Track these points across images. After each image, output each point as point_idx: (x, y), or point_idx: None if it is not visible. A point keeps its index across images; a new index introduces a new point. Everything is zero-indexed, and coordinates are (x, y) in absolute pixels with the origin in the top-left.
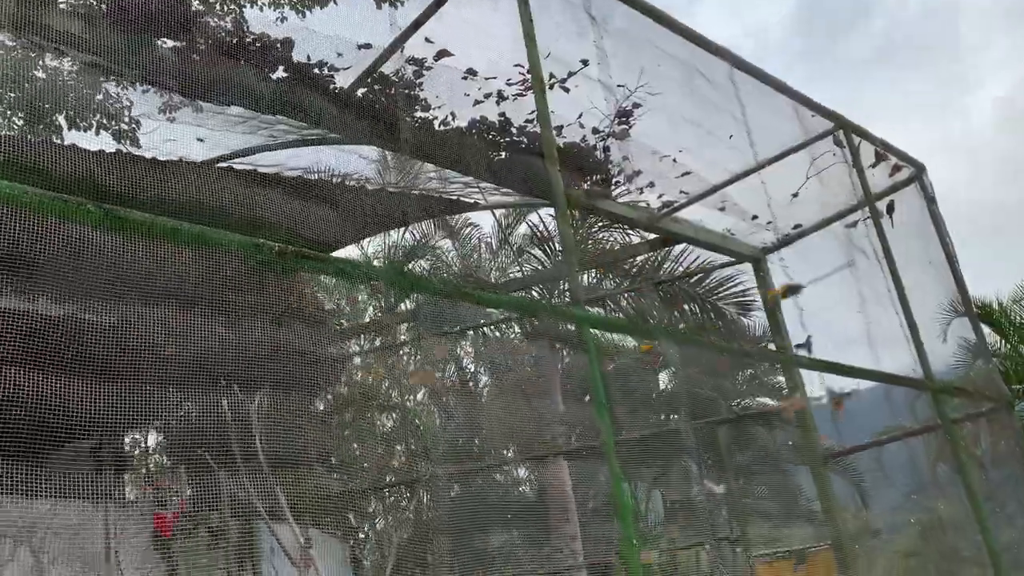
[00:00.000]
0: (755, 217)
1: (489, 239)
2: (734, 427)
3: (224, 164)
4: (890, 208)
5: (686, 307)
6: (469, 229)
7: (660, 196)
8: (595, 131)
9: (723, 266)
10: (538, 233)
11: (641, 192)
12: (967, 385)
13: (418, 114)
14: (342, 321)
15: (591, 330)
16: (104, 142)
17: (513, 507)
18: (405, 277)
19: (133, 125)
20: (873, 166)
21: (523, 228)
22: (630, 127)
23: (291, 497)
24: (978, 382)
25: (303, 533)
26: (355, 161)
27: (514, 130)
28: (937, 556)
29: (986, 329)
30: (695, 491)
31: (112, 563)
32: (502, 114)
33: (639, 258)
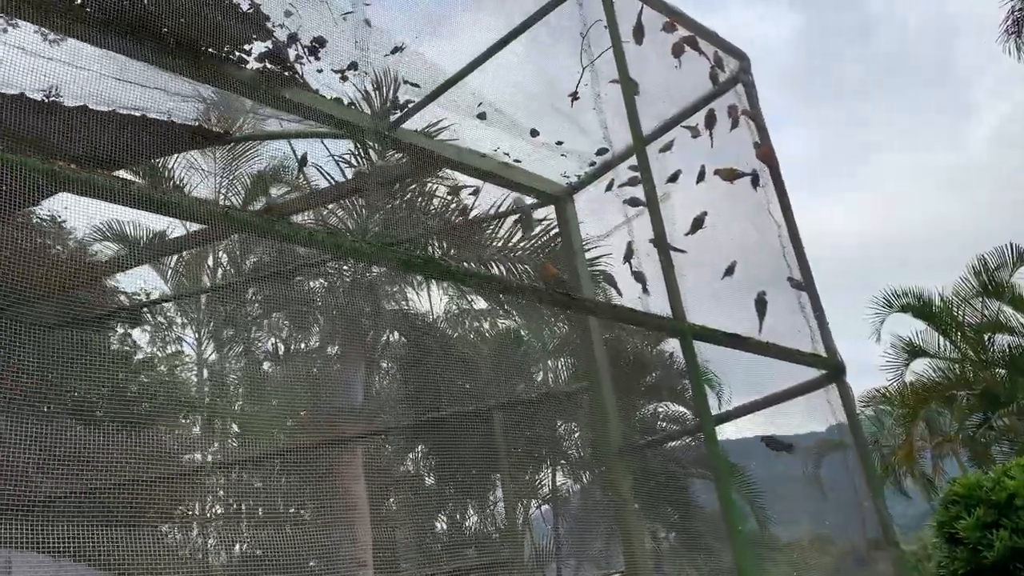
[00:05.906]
0: (535, 133)
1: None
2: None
3: None
4: (710, 121)
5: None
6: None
7: (377, 88)
8: None
9: (510, 213)
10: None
11: (343, 78)
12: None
13: None
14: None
15: None
16: None
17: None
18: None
19: None
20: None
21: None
22: None
23: None
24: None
25: None
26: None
27: None
28: None
29: (924, 326)
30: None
31: None
32: None
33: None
